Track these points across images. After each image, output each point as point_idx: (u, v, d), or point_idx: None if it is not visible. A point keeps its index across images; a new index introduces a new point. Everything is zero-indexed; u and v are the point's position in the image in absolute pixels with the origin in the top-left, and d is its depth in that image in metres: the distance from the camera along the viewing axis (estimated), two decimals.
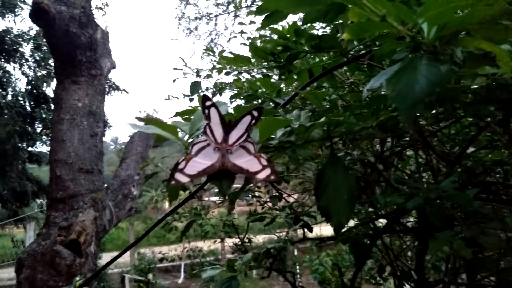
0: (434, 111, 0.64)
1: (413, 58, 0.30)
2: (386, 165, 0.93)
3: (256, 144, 0.49)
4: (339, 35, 0.65)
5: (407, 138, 0.88)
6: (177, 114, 0.61)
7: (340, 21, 0.59)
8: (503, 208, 0.76)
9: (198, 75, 1.12)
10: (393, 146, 0.92)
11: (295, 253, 5.92)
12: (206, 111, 0.49)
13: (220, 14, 8.44)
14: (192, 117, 0.53)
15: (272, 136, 0.52)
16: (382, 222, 1.13)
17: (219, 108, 0.51)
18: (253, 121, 0.48)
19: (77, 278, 1.44)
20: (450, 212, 0.57)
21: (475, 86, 0.47)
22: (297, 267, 5.65)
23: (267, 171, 0.46)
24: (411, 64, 0.29)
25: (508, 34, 0.25)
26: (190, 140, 0.52)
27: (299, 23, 0.73)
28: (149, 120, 0.49)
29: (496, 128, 0.66)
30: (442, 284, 0.99)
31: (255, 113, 0.48)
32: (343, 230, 1.02)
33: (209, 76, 1.11)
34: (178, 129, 0.51)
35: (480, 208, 0.59)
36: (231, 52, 0.86)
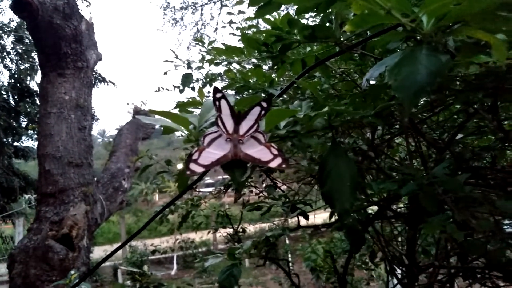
0: (427, 99, 0.65)
1: (413, 49, 0.31)
2: (376, 152, 0.94)
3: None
4: (329, 24, 0.65)
5: (397, 126, 0.89)
6: (178, 106, 0.61)
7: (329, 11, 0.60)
8: (491, 192, 0.78)
9: (189, 66, 1.11)
10: (383, 134, 0.94)
11: (287, 241, 5.98)
12: (217, 102, 0.50)
13: (206, 3, 8.32)
14: (191, 109, 0.54)
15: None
16: (372, 209, 1.15)
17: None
18: (263, 112, 0.49)
19: (72, 272, 1.44)
20: (441, 197, 0.58)
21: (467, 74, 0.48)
22: (289, 255, 5.71)
23: (278, 160, 0.47)
24: (412, 54, 0.30)
25: (506, 24, 0.26)
26: (200, 131, 0.52)
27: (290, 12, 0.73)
28: (161, 112, 0.50)
29: (485, 115, 0.67)
30: (433, 267, 1.02)
31: (264, 104, 0.49)
32: (334, 219, 1.04)
33: (200, 67, 1.11)
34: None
35: (470, 192, 0.61)
36: (223, 44, 0.86)
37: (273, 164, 0.47)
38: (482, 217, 0.73)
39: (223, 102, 0.50)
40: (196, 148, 0.49)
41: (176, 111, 0.60)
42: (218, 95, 0.50)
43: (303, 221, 1.13)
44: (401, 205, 1.24)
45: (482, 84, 0.50)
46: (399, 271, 1.13)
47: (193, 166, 0.47)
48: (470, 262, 0.88)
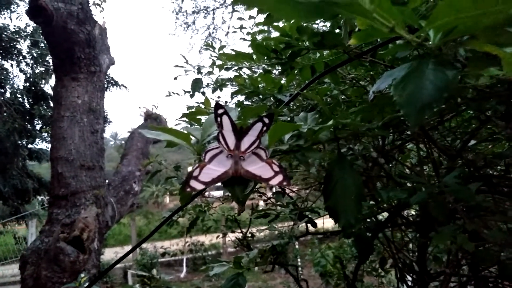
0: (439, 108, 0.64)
1: (419, 63, 0.30)
2: (387, 159, 0.93)
3: (266, 148, 0.50)
4: (338, 31, 0.65)
5: (408, 132, 0.88)
6: (184, 115, 0.62)
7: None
8: (505, 200, 0.77)
9: (199, 72, 1.12)
10: (394, 140, 0.93)
11: (296, 246, 5.95)
12: (219, 119, 0.50)
13: (218, 7, 8.37)
14: (198, 117, 0.54)
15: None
16: (383, 215, 1.13)
17: (230, 113, 0.51)
18: (264, 128, 0.49)
19: (82, 275, 1.46)
20: (452, 206, 0.58)
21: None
22: (299, 260, 5.68)
23: (280, 177, 0.47)
24: (418, 69, 0.30)
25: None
26: (202, 147, 0.52)
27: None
28: (162, 128, 0.50)
29: (498, 122, 0.66)
30: (444, 275, 1.01)
31: (266, 120, 0.49)
32: None
33: (210, 73, 1.11)
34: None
35: (482, 202, 0.60)
36: (232, 49, 0.86)
37: (274, 182, 0.47)
38: (496, 225, 0.71)
39: (224, 118, 0.50)
40: (197, 164, 0.48)
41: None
42: (220, 111, 0.50)
43: (311, 228, 1.12)
44: (413, 212, 1.22)
45: (495, 93, 0.49)
46: (409, 278, 1.12)
47: (193, 183, 0.47)
48: (482, 270, 0.86)
